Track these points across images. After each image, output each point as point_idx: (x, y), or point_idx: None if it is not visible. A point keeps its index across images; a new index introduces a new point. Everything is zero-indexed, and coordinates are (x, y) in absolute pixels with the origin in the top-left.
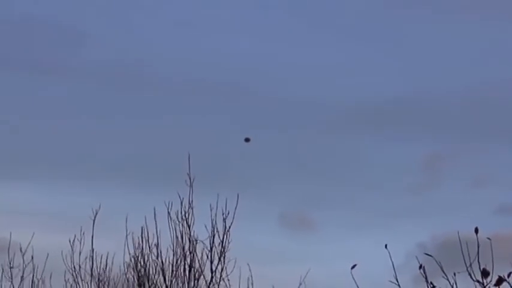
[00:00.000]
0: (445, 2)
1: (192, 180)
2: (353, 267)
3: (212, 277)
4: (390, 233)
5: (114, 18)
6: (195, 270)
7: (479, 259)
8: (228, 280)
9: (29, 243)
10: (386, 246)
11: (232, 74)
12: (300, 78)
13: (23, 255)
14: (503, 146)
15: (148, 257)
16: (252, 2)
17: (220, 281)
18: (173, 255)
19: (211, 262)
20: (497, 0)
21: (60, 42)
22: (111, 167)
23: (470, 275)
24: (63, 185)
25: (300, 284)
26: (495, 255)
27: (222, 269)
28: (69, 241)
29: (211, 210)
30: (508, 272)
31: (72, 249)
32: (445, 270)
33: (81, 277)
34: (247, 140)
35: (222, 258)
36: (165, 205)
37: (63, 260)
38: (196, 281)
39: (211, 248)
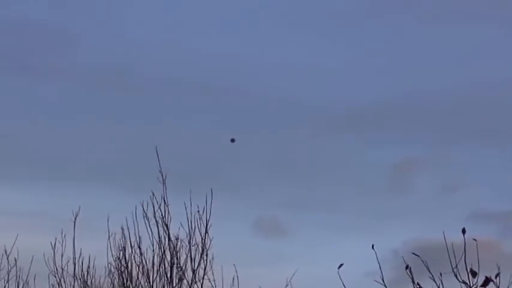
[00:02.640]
0: (430, 6)
1: (164, 177)
2: (340, 266)
3: (194, 276)
4: (364, 238)
5: (104, 21)
6: (177, 270)
7: (453, 263)
8: (214, 281)
9: (13, 245)
10: (373, 246)
11: (220, 75)
12: (286, 80)
13: (8, 257)
14: (479, 150)
15: (130, 258)
16: (241, 3)
17: (203, 279)
18: (153, 255)
19: (192, 261)
20: (479, 4)
21: (50, 44)
22: (95, 168)
23: (456, 275)
24: (46, 186)
25: (287, 285)
26: (468, 261)
27: (205, 268)
28: (51, 243)
29: (185, 208)
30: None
31: (54, 252)
32: (418, 276)
33: (63, 279)
34: (232, 140)
35: (203, 257)
36: (141, 205)
37: (46, 262)
38: (179, 281)
39: (190, 246)
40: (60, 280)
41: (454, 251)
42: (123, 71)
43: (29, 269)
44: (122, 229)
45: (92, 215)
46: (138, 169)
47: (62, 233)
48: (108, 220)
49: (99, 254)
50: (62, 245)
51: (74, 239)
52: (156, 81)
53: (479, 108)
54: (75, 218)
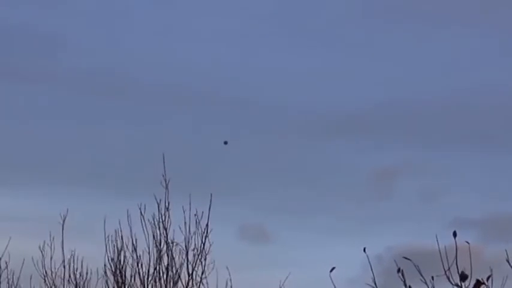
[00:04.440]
0: (416, 14)
1: (167, 182)
2: (331, 270)
3: (189, 280)
4: (347, 244)
5: (91, 25)
6: (173, 273)
7: (437, 267)
8: (207, 283)
9: (6, 248)
10: (365, 249)
11: (210, 81)
12: (275, 86)
13: None
14: (463, 156)
15: (125, 260)
16: (232, 10)
17: (200, 284)
18: (149, 258)
19: (188, 265)
20: (465, 12)
21: (37, 48)
22: (88, 172)
23: (448, 278)
24: (38, 190)
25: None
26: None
27: (202, 272)
28: (39, 247)
29: (184, 212)
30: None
31: (43, 255)
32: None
33: (54, 283)
34: (225, 143)
35: (201, 261)
36: (139, 208)
37: (35, 265)
38: (175, 284)
39: (187, 250)
40: (51, 283)
41: (447, 255)
42: (111, 74)
43: (20, 272)
44: (116, 232)
45: (87, 218)
46: (133, 173)
47: (50, 236)
48: (97, 223)
49: (95, 257)
50: (50, 248)
51: (62, 241)
52: (144, 85)
53: (462, 115)
54: (63, 221)
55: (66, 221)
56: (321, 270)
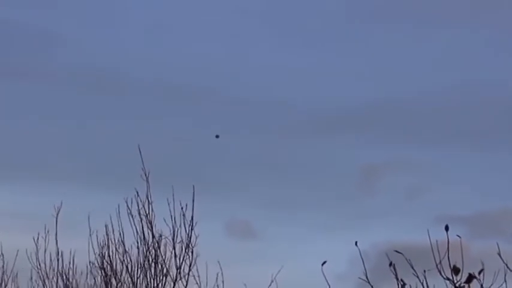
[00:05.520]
0: (408, 11)
1: (147, 174)
2: (323, 263)
3: (178, 272)
4: (332, 240)
5: (87, 22)
6: (161, 266)
7: (426, 262)
8: (199, 277)
9: None
10: (356, 243)
11: (202, 77)
12: (267, 82)
13: None
14: (451, 153)
15: (113, 255)
16: (224, 6)
17: (188, 276)
18: (138, 252)
19: (175, 257)
20: (458, 9)
21: (33, 45)
22: (77, 168)
23: (440, 272)
24: (29, 186)
25: (272, 281)
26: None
27: (190, 264)
28: (33, 239)
29: (168, 204)
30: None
31: (37, 247)
32: (391, 277)
33: (47, 275)
34: (217, 136)
35: (187, 253)
36: (125, 202)
37: (29, 258)
38: (164, 278)
39: (174, 243)
40: (43, 276)
41: (435, 250)
42: (109, 73)
43: (13, 265)
44: (106, 226)
45: (76, 213)
46: (121, 168)
47: (45, 229)
48: (90, 218)
49: (82, 252)
50: (45, 241)
51: (56, 234)
52: (139, 81)
53: (450, 113)
54: (57, 213)
55: (58, 216)
56: (309, 265)
